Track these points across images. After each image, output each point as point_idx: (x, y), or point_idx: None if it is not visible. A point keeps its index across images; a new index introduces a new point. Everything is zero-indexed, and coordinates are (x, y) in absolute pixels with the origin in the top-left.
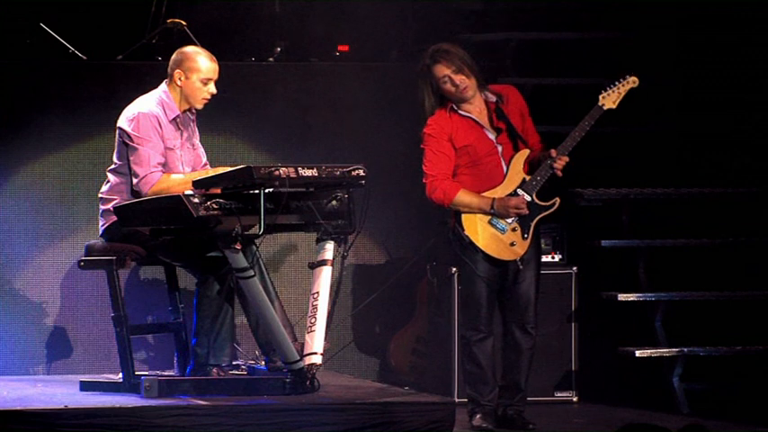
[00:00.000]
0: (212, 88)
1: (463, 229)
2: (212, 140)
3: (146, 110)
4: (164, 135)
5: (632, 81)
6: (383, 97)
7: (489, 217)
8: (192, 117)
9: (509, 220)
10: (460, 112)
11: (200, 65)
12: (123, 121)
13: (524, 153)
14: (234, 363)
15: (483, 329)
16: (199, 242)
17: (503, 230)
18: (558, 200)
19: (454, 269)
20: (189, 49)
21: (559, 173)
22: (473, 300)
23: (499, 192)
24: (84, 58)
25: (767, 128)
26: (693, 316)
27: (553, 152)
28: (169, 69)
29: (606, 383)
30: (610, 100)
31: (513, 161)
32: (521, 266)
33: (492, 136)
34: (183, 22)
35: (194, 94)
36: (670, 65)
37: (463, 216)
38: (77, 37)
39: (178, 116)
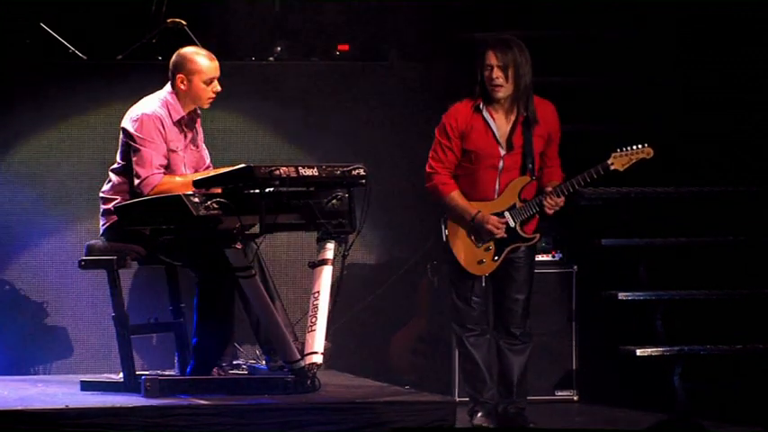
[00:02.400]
0: (216, 87)
1: (446, 227)
2: (212, 140)
3: (149, 111)
4: (167, 137)
5: (646, 152)
6: (383, 97)
7: None
8: (197, 118)
9: (484, 238)
10: (484, 113)
11: (201, 66)
12: (127, 122)
13: (525, 180)
14: (234, 362)
15: (471, 327)
16: (199, 242)
17: (477, 245)
18: (538, 236)
19: (435, 262)
20: (187, 50)
21: (549, 211)
22: (456, 298)
23: (489, 208)
24: (85, 58)
25: (767, 128)
26: (694, 315)
27: (549, 189)
28: (170, 73)
29: (607, 382)
30: (619, 162)
31: (512, 183)
32: (483, 284)
33: (502, 151)
34: (183, 22)
35: (200, 96)
36: (670, 65)
37: (450, 216)
38: (77, 37)
39: (183, 117)
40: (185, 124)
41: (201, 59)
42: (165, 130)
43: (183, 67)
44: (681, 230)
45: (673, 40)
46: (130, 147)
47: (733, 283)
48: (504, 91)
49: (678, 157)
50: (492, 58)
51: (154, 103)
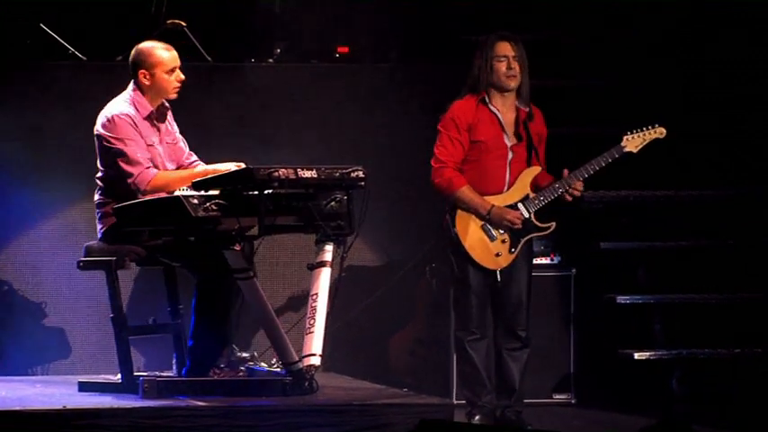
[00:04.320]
0: (180, 75)
1: (454, 226)
2: (211, 141)
3: (118, 111)
4: (141, 133)
5: (659, 132)
6: (382, 98)
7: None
8: (166, 111)
9: (500, 231)
10: (490, 106)
11: (161, 58)
12: (99, 127)
13: (536, 169)
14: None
15: (474, 330)
16: (198, 243)
17: (492, 238)
18: (554, 224)
19: (434, 264)
20: (145, 45)
21: (569, 198)
22: (461, 299)
23: (500, 200)
24: (84, 58)
25: (767, 128)
26: (693, 318)
27: (566, 172)
28: (131, 71)
29: (605, 386)
30: (632, 144)
31: (522, 174)
32: (499, 279)
33: (509, 141)
34: (183, 23)
35: (165, 87)
36: (670, 65)
37: (458, 212)
38: (77, 37)
39: (152, 112)
40: (156, 119)
41: (160, 52)
42: (137, 127)
43: (144, 62)
44: (680, 234)
45: (673, 41)
46: (110, 150)
47: (732, 287)
48: (516, 81)
49: (678, 158)
50: (507, 49)
51: (120, 104)
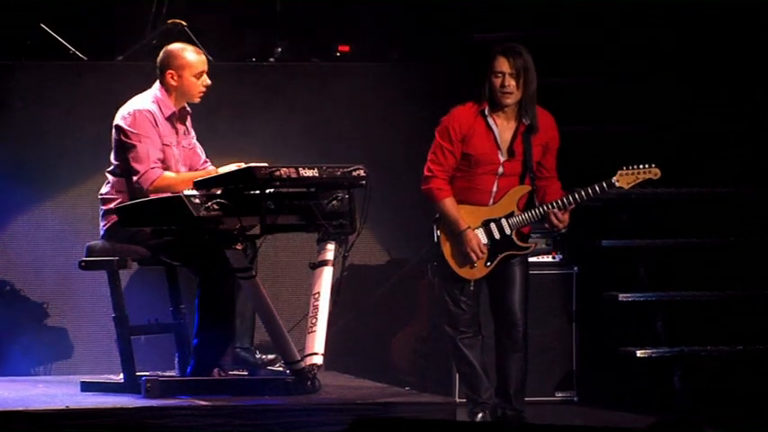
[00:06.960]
0: (206, 80)
1: (437, 227)
2: (212, 141)
3: (141, 107)
4: (160, 132)
5: (653, 173)
6: (383, 97)
7: None
8: (187, 114)
9: (483, 242)
10: (488, 119)
11: (190, 60)
12: (119, 119)
13: (525, 188)
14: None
15: (464, 329)
16: (200, 242)
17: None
18: (534, 245)
19: (435, 263)
20: (174, 47)
21: (557, 224)
22: (447, 298)
23: (485, 213)
24: (85, 58)
25: (767, 128)
26: (694, 316)
27: (551, 204)
28: (159, 70)
29: (607, 383)
30: (625, 180)
31: (511, 191)
32: (472, 287)
33: (502, 157)
34: (184, 23)
35: (191, 90)
36: (670, 64)
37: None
38: (77, 37)
39: (174, 113)
40: (176, 120)
41: (189, 54)
42: (157, 126)
43: (172, 63)
44: (681, 231)
45: (673, 40)
46: (125, 144)
47: (733, 284)
48: (513, 98)
49: (678, 158)
50: (504, 65)
51: (145, 100)
